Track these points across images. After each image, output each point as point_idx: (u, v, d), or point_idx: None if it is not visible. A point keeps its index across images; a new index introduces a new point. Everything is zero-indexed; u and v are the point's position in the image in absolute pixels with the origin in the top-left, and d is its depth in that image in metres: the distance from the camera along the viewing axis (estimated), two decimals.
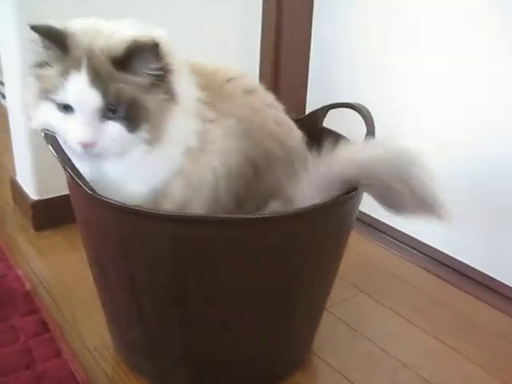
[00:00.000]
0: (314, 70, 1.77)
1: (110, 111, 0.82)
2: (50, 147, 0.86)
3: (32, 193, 1.57)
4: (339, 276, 1.04)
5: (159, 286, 0.88)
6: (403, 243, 1.55)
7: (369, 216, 1.62)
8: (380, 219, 1.60)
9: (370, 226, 1.63)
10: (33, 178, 1.55)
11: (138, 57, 0.81)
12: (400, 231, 1.57)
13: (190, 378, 1.01)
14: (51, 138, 0.86)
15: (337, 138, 1.14)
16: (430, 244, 1.50)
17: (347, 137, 1.11)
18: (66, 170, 0.84)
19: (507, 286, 1.34)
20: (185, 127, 0.89)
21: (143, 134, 0.83)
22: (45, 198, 1.55)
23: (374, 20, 1.54)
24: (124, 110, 0.82)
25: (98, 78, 0.81)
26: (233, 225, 0.82)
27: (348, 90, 1.64)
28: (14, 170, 1.71)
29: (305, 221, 0.86)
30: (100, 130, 0.82)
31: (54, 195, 1.54)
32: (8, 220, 1.64)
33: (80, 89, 0.81)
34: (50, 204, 1.55)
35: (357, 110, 1.09)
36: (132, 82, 0.83)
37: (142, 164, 0.87)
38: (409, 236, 1.55)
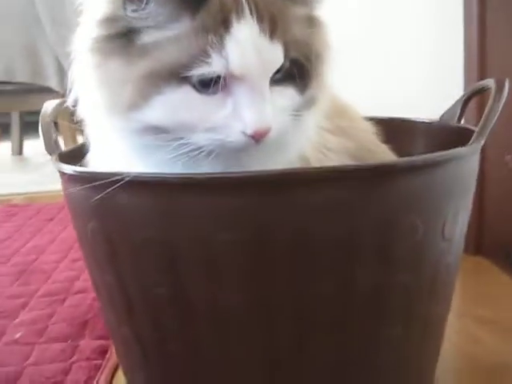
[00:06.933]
0: None
1: (277, 70, 0.56)
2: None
3: None
4: None
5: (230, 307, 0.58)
6: None
7: None
8: None
9: None
10: None
11: None
12: None
13: None
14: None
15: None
16: None
17: None
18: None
19: None
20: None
21: (312, 92, 0.60)
22: None
23: None
24: (298, 62, 0.57)
25: (272, 22, 0.55)
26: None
27: None
28: None
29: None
30: (271, 103, 0.56)
31: None
32: None
33: (253, 44, 0.53)
34: None
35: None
36: (301, 16, 0.58)
37: (289, 137, 0.61)
38: None
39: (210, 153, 0.56)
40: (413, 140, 0.84)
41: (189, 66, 0.52)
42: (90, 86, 0.59)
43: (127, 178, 0.51)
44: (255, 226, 0.53)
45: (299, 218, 0.54)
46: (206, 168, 0.56)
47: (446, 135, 0.81)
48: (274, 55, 0.55)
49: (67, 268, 1.46)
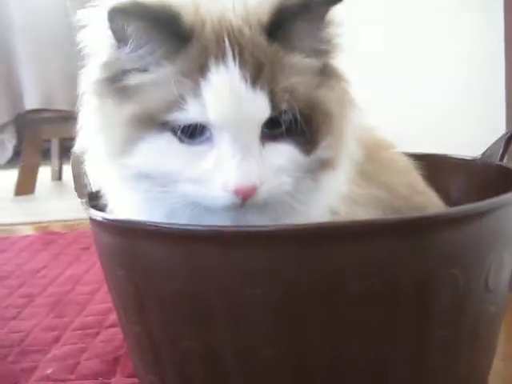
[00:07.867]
0: None
1: (272, 125, 0.53)
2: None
3: None
4: None
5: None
6: None
7: None
8: None
9: None
10: None
11: (305, 18, 0.52)
12: None
13: None
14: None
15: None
16: None
17: None
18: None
19: None
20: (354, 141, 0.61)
21: (322, 153, 0.55)
22: None
23: None
24: (298, 118, 0.52)
25: (257, 68, 0.51)
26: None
27: None
28: None
29: None
30: (262, 160, 0.52)
31: None
32: None
33: (231, 91, 0.50)
34: None
35: None
36: (306, 67, 0.54)
37: (305, 202, 0.58)
38: None
39: (196, 205, 0.53)
40: (452, 178, 0.80)
41: (167, 111, 0.50)
42: (92, 130, 0.58)
43: (150, 228, 0.50)
44: (286, 281, 0.51)
45: (332, 272, 0.51)
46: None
47: (488, 174, 0.77)
48: (257, 105, 0.50)
49: (102, 300, 1.43)
